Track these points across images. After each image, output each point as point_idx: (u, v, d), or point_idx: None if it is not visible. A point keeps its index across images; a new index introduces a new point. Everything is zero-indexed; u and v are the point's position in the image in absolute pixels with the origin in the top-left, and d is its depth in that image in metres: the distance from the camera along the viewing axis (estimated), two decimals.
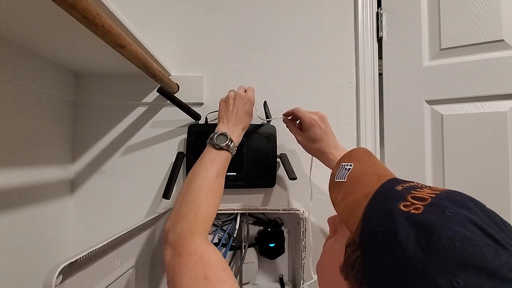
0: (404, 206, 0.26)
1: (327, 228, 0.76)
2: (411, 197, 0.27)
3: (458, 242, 0.21)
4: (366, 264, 0.25)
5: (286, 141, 0.77)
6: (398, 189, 0.29)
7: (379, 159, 0.78)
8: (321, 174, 0.76)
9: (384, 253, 0.23)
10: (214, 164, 0.51)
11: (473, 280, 0.20)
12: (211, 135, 0.55)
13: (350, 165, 0.36)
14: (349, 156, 0.39)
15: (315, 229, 0.76)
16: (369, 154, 0.40)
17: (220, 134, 0.55)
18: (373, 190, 0.30)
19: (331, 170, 0.42)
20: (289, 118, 0.65)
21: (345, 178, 0.34)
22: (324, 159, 0.58)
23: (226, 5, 0.79)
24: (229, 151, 0.54)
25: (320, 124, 0.58)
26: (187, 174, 0.73)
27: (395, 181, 0.31)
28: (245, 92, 0.64)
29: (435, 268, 0.21)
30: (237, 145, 0.57)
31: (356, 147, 0.77)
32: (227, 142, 0.54)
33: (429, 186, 0.29)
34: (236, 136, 0.58)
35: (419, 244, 0.22)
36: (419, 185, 0.30)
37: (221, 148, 0.53)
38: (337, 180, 0.35)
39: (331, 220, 0.39)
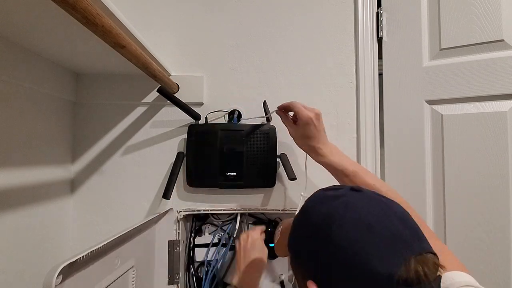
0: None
1: None
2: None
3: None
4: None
5: (286, 141, 0.77)
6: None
7: (379, 159, 0.78)
8: (319, 173, 0.77)
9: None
10: None
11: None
12: None
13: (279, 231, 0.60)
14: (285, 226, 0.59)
15: None
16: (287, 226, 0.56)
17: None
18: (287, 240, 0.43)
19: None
20: (283, 111, 0.65)
21: (278, 235, 0.59)
22: (312, 153, 0.60)
23: (226, 5, 0.79)
24: None
25: (315, 122, 0.58)
26: (187, 174, 0.74)
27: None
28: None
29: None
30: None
31: (356, 147, 0.77)
32: None
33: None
34: (247, 281, 0.58)
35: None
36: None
37: None
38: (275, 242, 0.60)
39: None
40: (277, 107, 0.64)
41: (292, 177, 0.66)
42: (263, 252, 0.62)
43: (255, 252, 0.60)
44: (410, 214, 0.35)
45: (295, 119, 0.62)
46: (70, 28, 0.48)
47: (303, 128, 0.59)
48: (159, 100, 0.75)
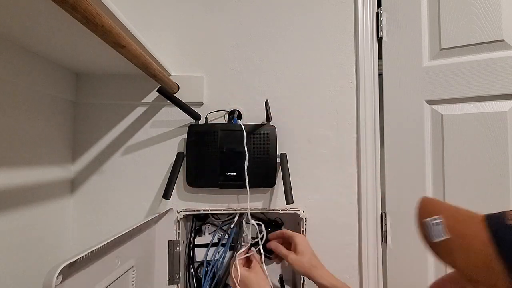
0: None
1: (326, 227, 0.76)
2: None
3: None
4: None
5: (286, 141, 0.77)
6: (511, 222, 0.28)
7: (379, 159, 0.78)
8: (319, 175, 0.77)
9: None
10: None
11: None
12: None
13: (437, 218, 0.32)
14: (426, 211, 0.34)
15: (314, 229, 0.76)
16: (431, 199, 0.37)
17: None
18: (485, 234, 0.28)
19: None
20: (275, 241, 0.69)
21: (446, 234, 0.31)
22: (314, 273, 0.61)
23: (226, 5, 0.79)
24: None
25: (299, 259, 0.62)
26: (187, 174, 0.74)
27: (496, 216, 0.30)
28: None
29: None
30: None
31: (356, 147, 0.77)
32: None
33: None
34: None
35: None
36: None
37: None
38: (438, 240, 0.31)
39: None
40: (269, 239, 0.70)
41: (289, 202, 0.66)
42: (260, 283, 0.60)
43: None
44: None
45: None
46: (70, 28, 0.48)
47: (301, 249, 0.63)
48: (159, 100, 0.75)
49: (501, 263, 0.26)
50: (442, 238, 0.30)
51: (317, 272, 0.60)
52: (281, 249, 0.66)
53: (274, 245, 0.67)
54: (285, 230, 0.69)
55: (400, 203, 0.76)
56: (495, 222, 0.29)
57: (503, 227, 0.28)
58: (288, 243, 0.68)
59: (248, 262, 0.67)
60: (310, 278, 0.61)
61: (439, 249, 0.30)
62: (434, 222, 0.32)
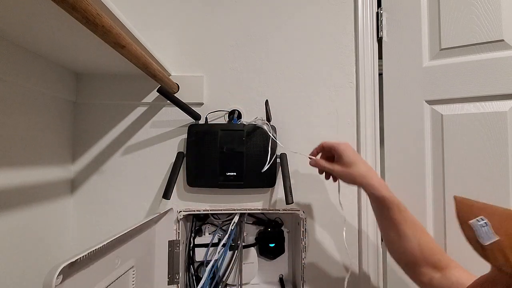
0: None
1: (326, 227, 0.76)
2: None
3: None
4: None
5: (286, 141, 0.77)
6: None
7: (379, 159, 0.79)
8: (319, 175, 0.77)
9: None
10: None
11: None
12: None
13: (483, 219, 0.31)
14: (465, 211, 0.33)
15: (314, 229, 0.76)
16: (464, 198, 0.36)
17: None
18: None
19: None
20: (316, 156, 0.63)
21: (495, 236, 0.30)
22: (368, 181, 0.55)
23: (226, 5, 0.79)
24: None
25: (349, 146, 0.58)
26: (187, 174, 0.74)
27: None
28: None
29: None
30: None
31: (356, 147, 0.77)
32: None
33: None
34: None
35: None
36: None
37: None
38: (488, 243, 0.30)
39: None
40: (309, 156, 0.63)
41: (289, 202, 0.65)
42: None
43: None
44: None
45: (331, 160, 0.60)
46: (70, 28, 0.48)
47: (343, 156, 0.57)
48: (159, 100, 0.76)
49: None
50: (493, 240, 0.29)
51: (367, 182, 0.54)
52: (323, 164, 0.59)
53: (314, 162, 0.61)
54: (323, 142, 0.61)
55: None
56: None
57: None
58: (331, 156, 0.61)
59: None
60: (362, 187, 0.56)
61: (491, 252, 0.29)
62: (480, 223, 0.31)
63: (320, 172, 0.63)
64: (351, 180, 0.56)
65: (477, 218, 0.31)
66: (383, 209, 0.54)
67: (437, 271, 0.49)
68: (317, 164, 0.61)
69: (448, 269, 0.49)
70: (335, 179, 0.63)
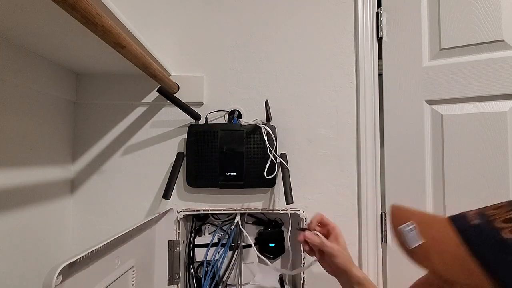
0: (506, 233, 0.27)
1: None
2: (502, 221, 0.28)
3: None
4: None
5: (286, 141, 0.77)
6: (475, 222, 0.30)
7: (379, 159, 0.79)
8: (319, 175, 0.77)
9: None
10: None
11: None
12: None
13: (411, 224, 0.33)
14: (398, 218, 0.36)
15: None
16: (399, 206, 0.38)
17: None
18: (454, 236, 0.30)
19: None
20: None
21: (421, 239, 0.32)
22: (353, 266, 0.54)
23: (226, 5, 0.79)
24: None
25: (342, 250, 0.54)
26: (187, 174, 0.74)
27: (459, 218, 0.32)
28: None
29: None
30: None
31: (356, 147, 0.77)
32: None
33: (489, 206, 0.31)
34: None
35: None
36: (485, 209, 0.31)
37: None
38: (414, 246, 0.32)
39: None
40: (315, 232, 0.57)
41: (289, 202, 0.65)
42: None
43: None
44: None
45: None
46: (70, 28, 0.48)
47: (346, 249, 0.55)
48: (159, 100, 0.76)
49: (475, 262, 0.27)
50: (418, 243, 0.31)
51: (355, 268, 0.54)
52: (324, 242, 0.55)
53: (311, 235, 0.56)
54: (324, 216, 0.58)
55: (400, 203, 0.75)
56: (460, 224, 0.31)
57: (469, 228, 0.30)
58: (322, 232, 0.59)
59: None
60: (346, 273, 0.53)
61: (417, 255, 0.31)
62: (408, 228, 0.33)
63: (306, 247, 0.58)
64: (345, 261, 0.53)
65: (406, 223, 0.33)
66: None
67: None
68: (315, 240, 0.56)
69: None
70: (318, 256, 0.59)
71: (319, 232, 0.57)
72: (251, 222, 0.82)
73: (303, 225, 0.66)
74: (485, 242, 0.28)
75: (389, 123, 0.78)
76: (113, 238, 0.48)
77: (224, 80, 0.78)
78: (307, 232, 0.57)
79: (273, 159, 0.71)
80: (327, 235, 0.58)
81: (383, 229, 0.77)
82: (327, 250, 0.54)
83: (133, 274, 0.59)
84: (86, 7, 0.36)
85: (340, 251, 0.54)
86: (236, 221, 0.77)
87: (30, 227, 0.61)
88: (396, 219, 0.35)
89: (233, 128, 0.73)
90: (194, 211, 0.75)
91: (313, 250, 0.58)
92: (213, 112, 0.76)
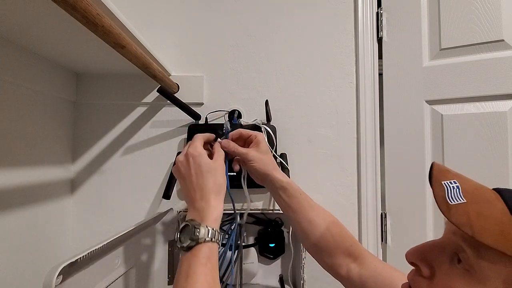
0: None
1: None
2: None
3: None
4: None
5: (286, 141, 0.77)
6: None
7: (379, 159, 0.79)
8: (319, 175, 0.77)
9: None
10: (194, 276, 0.35)
11: None
12: (175, 235, 0.40)
13: (456, 183, 0.31)
14: (441, 173, 0.33)
15: None
16: (444, 166, 0.36)
17: (184, 227, 0.39)
18: (500, 203, 0.29)
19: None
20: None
21: (463, 198, 0.30)
22: (277, 170, 0.53)
23: (226, 5, 0.79)
24: (207, 242, 0.38)
25: (259, 155, 0.53)
26: None
27: (508, 190, 0.31)
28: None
29: None
30: (218, 222, 0.41)
31: (356, 147, 0.77)
32: (195, 234, 0.38)
33: None
34: (211, 212, 0.41)
35: None
36: None
37: (190, 247, 0.38)
38: (456, 203, 0.30)
39: (420, 256, 0.34)
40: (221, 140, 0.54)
41: None
42: (216, 171, 0.46)
43: (207, 174, 0.44)
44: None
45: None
46: (70, 28, 0.48)
47: (258, 145, 0.53)
48: (159, 100, 0.75)
49: None
50: (460, 202, 0.29)
51: (277, 172, 0.53)
52: (237, 147, 0.53)
53: (226, 143, 0.52)
54: (242, 130, 0.56)
55: (400, 203, 0.76)
56: (509, 193, 0.30)
57: None
58: (246, 144, 0.57)
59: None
60: (269, 178, 0.53)
61: (455, 211, 0.29)
62: (452, 185, 0.31)
63: (236, 166, 0.56)
64: (263, 165, 0.52)
65: (450, 181, 0.32)
66: (290, 197, 0.53)
67: (352, 260, 0.49)
68: (230, 146, 0.52)
69: (364, 258, 0.48)
70: (237, 166, 0.56)
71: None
72: (251, 222, 0.82)
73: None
74: None
75: (389, 123, 0.78)
76: (113, 238, 0.48)
77: (224, 80, 0.78)
78: (223, 140, 0.54)
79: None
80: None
81: (383, 229, 0.77)
82: (242, 156, 0.53)
83: (133, 274, 0.59)
84: (86, 7, 0.36)
85: (256, 156, 0.52)
86: (236, 221, 0.77)
87: (30, 227, 0.61)
88: (440, 173, 0.33)
89: (233, 128, 0.73)
90: None
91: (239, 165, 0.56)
92: (213, 112, 0.76)
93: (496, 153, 0.66)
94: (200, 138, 0.49)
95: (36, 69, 0.61)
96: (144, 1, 0.78)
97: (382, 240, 0.77)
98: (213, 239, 0.39)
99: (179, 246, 0.38)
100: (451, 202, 0.30)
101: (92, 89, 0.75)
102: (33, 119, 0.62)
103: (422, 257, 0.34)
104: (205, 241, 0.38)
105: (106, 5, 0.43)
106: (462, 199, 0.30)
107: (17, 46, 0.56)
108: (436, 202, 0.30)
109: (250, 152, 0.53)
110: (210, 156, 0.49)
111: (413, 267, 0.35)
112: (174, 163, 0.48)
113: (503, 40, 0.67)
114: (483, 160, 0.67)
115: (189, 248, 0.38)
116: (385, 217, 0.77)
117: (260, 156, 0.53)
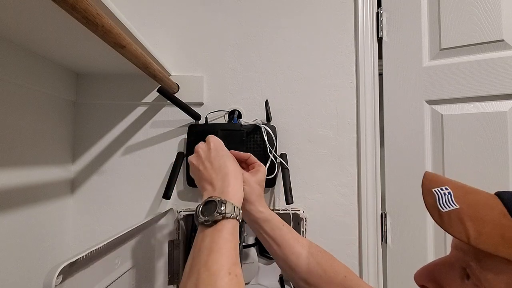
0: None
1: (326, 227, 0.76)
2: None
3: None
4: None
5: (286, 141, 0.77)
6: None
7: (379, 159, 0.79)
8: (319, 175, 0.77)
9: None
10: (219, 251, 0.34)
11: None
12: (196, 210, 0.38)
13: (447, 189, 0.30)
14: (431, 181, 0.32)
15: (314, 229, 0.76)
16: (435, 173, 0.35)
17: (207, 202, 0.38)
18: (499, 204, 0.27)
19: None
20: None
21: (455, 204, 0.28)
22: (257, 205, 0.50)
23: (226, 5, 0.79)
24: (232, 218, 0.37)
25: (253, 182, 0.52)
26: (187, 174, 0.74)
27: (509, 191, 0.29)
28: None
29: None
30: (240, 204, 0.40)
31: (356, 147, 0.77)
32: (220, 209, 0.36)
33: None
34: (234, 193, 0.40)
35: None
36: None
37: (215, 221, 0.36)
38: (448, 210, 0.28)
39: (428, 277, 0.32)
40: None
41: (289, 202, 0.66)
42: (235, 161, 0.47)
43: (229, 158, 0.45)
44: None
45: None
46: (70, 28, 0.48)
47: (258, 174, 0.52)
48: (159, 100, 0.75)
49: None
50: (453, 208, 0.28)
51: (262, 203, 0.51)
52: (239, 155, 0.54)
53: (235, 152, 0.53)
54: (251, 155, 0.56)
55: (400, 203, 0.76)
56: (510, 195, 0.28)
57: None
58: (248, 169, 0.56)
59: None
60: (251, 207, 0.50)
61: (448, 219, 0.28)
62: (442, 192, 0.29)
63: None
64: (251, 191, 0.50)
65: (441, 187, 0.30)
66: (273, 230, 0.49)
67: None
68: (235, 153, 0.53)
69: None
70: None
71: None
72: None
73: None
74: None
75: (389, 123, 0.78)
76: (113, 238, 0.48)
77: (224, 80, 0.78)
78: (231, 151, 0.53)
79: (273, 159, 0.71)
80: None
81: (383, 229, 0.77)
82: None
83: (133, 274, 0.59)
84: (87, 7, 0.36)
85: (250, 180, 0.50)
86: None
87: (30, 227, 0.61)
88: (430, 181, 0.32)
89: (233, 128, 0.73)
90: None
91: None
92: (213, 112, 0.76)
93: (496, 153, 0.66)
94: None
95: (36, 69, 0.61)
96: (144, 1, 0.78)
97: (382, 240, 0.77)
98: (237, 217, 0.37)
99: (201, 220, 0.36)
100: (443, 209, 0.28)
101: (92, 89, 0.75)
102: (33, 119, 0.62)
103: (431, 278, 0.32)
104: (231, 217, 0.36)
105: (106, 5, 0.43)
106: (455, 205, 0.28)
107: (17, 46, 0.56)
108: (428, 211, 0.29)
109: (245, 174, 0.52)
110: None
111: None
112: (193, 152, 0.48)
113: (503, 40, 0.67)
114: (483, 160, 0.67)
115: (214, 223, 0.36)
116: (385, 217, 0.77)
117: (253, 182, 0.51)
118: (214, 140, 0.47)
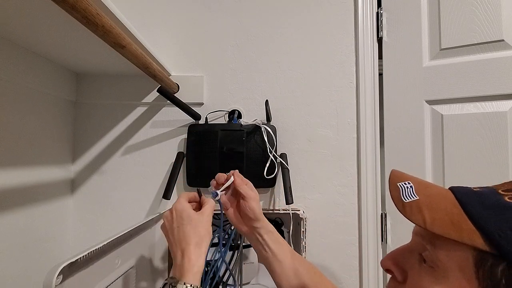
0: (509, 198, 0.28)
1: (326, 227, 0.76)
2: (502, 191, 0.30)
3: None
4: None
5: (286, 141, 0.77)
6: (477, 189, 0.32)
7: (379, 159, 0.79)
8: (319, 175, 0.77)
9: None
10: None
11: None
12: None
13: (409, 183, 0.34)
14: (396, 177, 0.36)
15: (314, 229, 0.76)
16: (401, 171, 0.38)
17: (163, 286, 0.41)
18: (452, 197, 0.31)
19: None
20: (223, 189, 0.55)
21: (416, 195, 0.33)
22: (259, 223, 0.52)
23: (226, 5, 0.79)
24: None
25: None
26: (187, 174, 0.74)
27: (462, 186, 0.33)
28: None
29: None
30: (199, 275, 0.41)
31: (356, 147, 0.77)
32: None
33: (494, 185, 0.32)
34: (190, 267, 0.41)
35: None
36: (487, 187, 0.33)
37: None
38: (409, 200, 0.32)
39: (393, 261, 0.35)
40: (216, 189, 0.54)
41: (289, 202, 0.66)
42: (199, 223, 0.46)
43: (187, 226, 0.44)
44: None
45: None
46: (70, 28, 0.48)
47: (250, 202, 0.51)
48: (159, 100, 0.76)
49: (468, 223, 0.28)
50: (413, 199, 0.32)
51: (264, 218, 0.52)
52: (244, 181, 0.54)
53: (238, 175, 0.54)
54: (250, 183, 0.56)
55: None
56: (461, 189, 0.32)
57: (469, 193, 0.31)
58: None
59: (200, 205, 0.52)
60: (257, 222, 0.51)
61: (410, 208, 0.32)
62: (405, 186, 0.34)
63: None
64: (256, 205, 0.51)
65: (404, 182, 0.34)
66: (275, 243, 0.52)
67: None
68: (240, 178, 0.54)
69: None
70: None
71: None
72: None
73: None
74: (485, 204, 0.29)
75: (389, 123, 0.78)
76: (113, 238, 0.48)
77: (224, 80, 0.78)
78: (235, 171, 0.55)
79: (273, 159, 0.71)
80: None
81: (383, 229, 0.77)
82: (244, 190, 0.52)
83: (133, 274, 0.59)
84: (86, 7, 0.36)
85: (256, 198, 0.52)
86: None
87: (30, 227, 0.61)
88: (396, 177, 0.36)
89: (233, 128, 0.73)
90: None
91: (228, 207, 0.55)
92: (213, 112, 0.76)
93: (496, 153, 0.66)
94: (185, 194, 0.50)
95: (36, 69, 0.61)
96: (144, 1, 0.78)
97: (382, 240, 0.77)
98: None
99: None
100: (405, 200, 0.32)
101: (92, 89, 0.75)
102: (33, 119, 0.62)
103: (394, 262, 0.35)
104: None
105: (106, 5, 0.43)
106: (415, 196, 0.32)
107: (17, 46, 0.56)
108: (393, 202, 0.33)
109: (250, 188, 0.53)
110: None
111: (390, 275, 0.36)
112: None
113: (503, 40, 0.67)
114: (483, 160, 0.67)
115: None
116: (385, 217, 0.77)
117: (257, 200, 0.52)
118: (177, 207, 0.46)
